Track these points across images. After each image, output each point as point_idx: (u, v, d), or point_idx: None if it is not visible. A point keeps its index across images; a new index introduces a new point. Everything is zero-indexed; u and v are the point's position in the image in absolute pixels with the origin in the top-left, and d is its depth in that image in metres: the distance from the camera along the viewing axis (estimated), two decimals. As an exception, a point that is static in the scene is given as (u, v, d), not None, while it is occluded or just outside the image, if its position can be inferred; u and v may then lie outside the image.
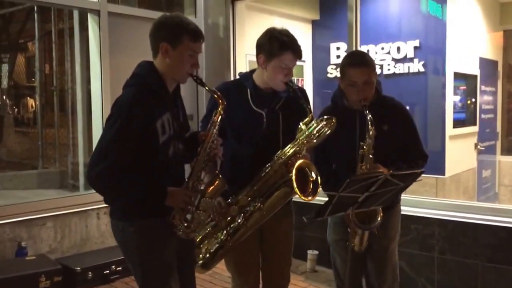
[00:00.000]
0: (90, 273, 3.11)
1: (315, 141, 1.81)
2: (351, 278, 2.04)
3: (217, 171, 1.80)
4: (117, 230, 1.70)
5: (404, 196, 3.05)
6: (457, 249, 2.88)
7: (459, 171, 4.31)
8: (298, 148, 1.81)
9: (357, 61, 1.93)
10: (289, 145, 1.84)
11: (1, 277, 2.80)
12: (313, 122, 1.83)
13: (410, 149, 2.01)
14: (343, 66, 1.97)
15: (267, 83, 1.92)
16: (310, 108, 1.87)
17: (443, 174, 4.04)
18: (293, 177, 1.75)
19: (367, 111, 1.85)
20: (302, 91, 1.98)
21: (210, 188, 1.70)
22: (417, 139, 2.04)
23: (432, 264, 2.97)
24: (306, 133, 1.81)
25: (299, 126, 1.84)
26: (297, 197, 1.82)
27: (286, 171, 1.80)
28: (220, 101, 1.71)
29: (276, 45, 1.84)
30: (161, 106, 1.64)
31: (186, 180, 1.69)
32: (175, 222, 1.65)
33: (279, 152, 1.85)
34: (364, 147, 1.85)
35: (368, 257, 2.07)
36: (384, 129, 1.92)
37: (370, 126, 1.84)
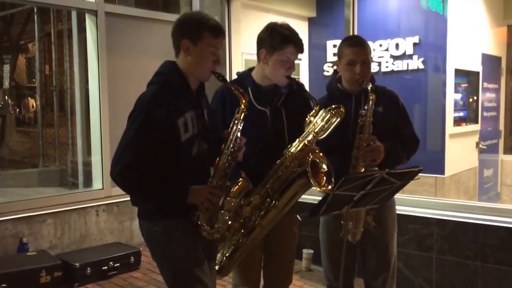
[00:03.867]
0: (89, 269, 3.16)
1: (323, 132, 1.79)
2: (344, 274, 2.02)
3: (241, 171, 1.77)
4: (144, 230, 1.70)
5: (402, 196, 3.01)
6: (457, 249, 2.84)
7: (460, 170, 4.22)
8: (307, 141, 1.79)
9: (355, 42, 2.02)
10: (298, 139, 1.81)
11: (3, 272, 2.87)
12: (321, 112, 1.81)
13: (402, 130, 2.08)
14: (341, 47, 2.02)
15: (268, 79, 1.91)
16: (315, 100, 1.86)
17: (443, 173, 3.97)
18: (309, 169, 1.72)
19: (365, 82, 1.91)
20: (302, 85, 1.99)
21: (235, 188, 1.69)
22: (408, 121, 2.12)
23: (431, 264, 2.94)
24: (315, 124, 1.80)
25: (307, 119, 1.83)
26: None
27: (298, 165, 1.77)
28: (242, 97, 1.69)
29: (278, 39, 1.83)
30: (183, 104, 1.63)
31: (210, 179, 1.67)
32: (199, 222, 1.63)
33: (288, 147, 1.83)
34: (363, 112, 1.89)
35: (367, 252, 2.06)
36: (379, 111, 1.97)
37: (370, 96, 1.88)
